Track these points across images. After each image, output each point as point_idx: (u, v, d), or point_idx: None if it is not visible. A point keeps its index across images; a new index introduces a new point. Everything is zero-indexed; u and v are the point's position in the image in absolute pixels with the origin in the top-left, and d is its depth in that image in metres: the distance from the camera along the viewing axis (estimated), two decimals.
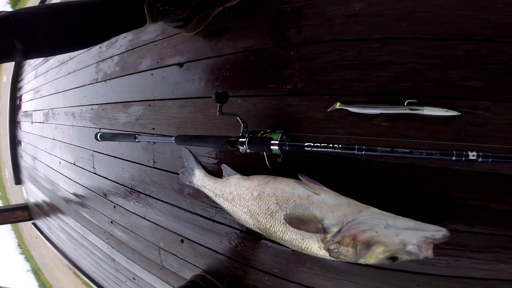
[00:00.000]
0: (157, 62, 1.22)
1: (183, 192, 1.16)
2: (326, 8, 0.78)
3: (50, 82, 2.17)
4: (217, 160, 1.02)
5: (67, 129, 1.94)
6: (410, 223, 0.60)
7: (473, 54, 0.60)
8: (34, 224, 2.80)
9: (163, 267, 1.37)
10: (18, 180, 2.90)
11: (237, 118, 0.81)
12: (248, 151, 0.76)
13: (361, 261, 0.62)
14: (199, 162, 1.06)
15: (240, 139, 0.76)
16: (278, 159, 0.84)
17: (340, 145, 0.60)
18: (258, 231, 0.82)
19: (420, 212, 0.65)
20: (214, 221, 1.07)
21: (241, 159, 0.95)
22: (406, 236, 0.59)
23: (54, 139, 2.14)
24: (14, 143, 2.76)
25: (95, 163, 1.67)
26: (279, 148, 0.69)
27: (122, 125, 1.42)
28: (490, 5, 0.58)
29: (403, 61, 0.67)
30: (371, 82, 0.70)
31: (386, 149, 0.55)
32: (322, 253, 0.67)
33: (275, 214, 0.75)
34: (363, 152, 0.57)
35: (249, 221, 0.83)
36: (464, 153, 0.48)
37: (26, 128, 2.66)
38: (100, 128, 1.57)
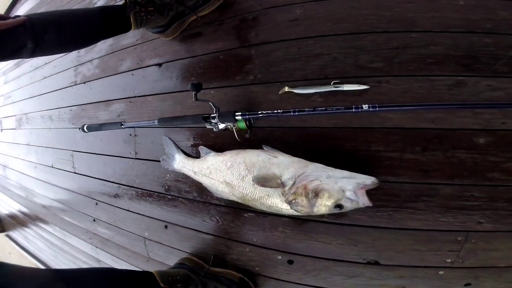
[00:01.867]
0: (137, 64, 1.40)
1: (165, 178, 1.33)
2: (276, 15, 1.03)
3: (23, 87, 2.24)
4: (195, 144, 1.21)
5: (44, 132, 2.02)
6: (345, 173, 0.83)
7: (375, 43, 0.87)
8: (7, 236, 2.76)
9: (150, 258, 1.47)
10: None
11: (210, 103, 1.01)
12: (219, 125, 0.97)
13: (315, 210, 0.84)
14: (178, 147, 1.24)
15: (212, 115, 0.96)
16: (246, 135, 1.05)
17: (281, 110, 0.85)
18: (234, 198, 1.02)
19: (354, 165, 0.88)
20: (195, 200, 1.24)
21: (216, 140, 1.15)
22: (343, 183, 0.81)
23: (28, 144, 2.20)
24: None
25: (75, 163, 1.78)
26: (242, 117, 0.91)
27: (103, 122, 1.56)
28: (386, 4, 0.86)
29: (329, 52, 0.93)
30: (308, 70, 0.96)
31: (310, 109, 0.80)
32: (285, 206, 0.88)
33: (245, 178, 0.95)
34: (296, 113, 0.80)
35: (225, 190, 1.03)
36: (360, 106, 0.73)
37: None
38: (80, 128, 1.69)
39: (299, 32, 0.99)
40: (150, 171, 1.38)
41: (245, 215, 1.11)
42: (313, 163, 0.87)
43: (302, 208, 0.85)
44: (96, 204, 1.70)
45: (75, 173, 1.80)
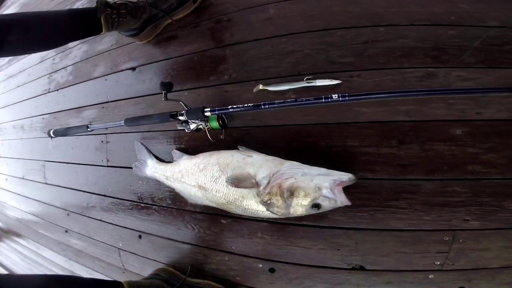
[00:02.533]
0: (111, 68, 1.31)
1: (137, 185, 1.21)
2: (250, 15, 0.98)
3: None
4: (169, 148, 1.11)
5: (15, 143, 1.87)
6: (322, 170, 0.75)
7: (345, 38, 0.83)
8: None
9: (126, 269, 1.35)
10: None
11: (181, 103, 0.92)
12: (190, 124, 0.88)
13: (292, 211, 0.75)
14: (151, 153, 1.13)
15: (180, 112, 0.87)
16: (221, 136, 0.97)
17: (251, 104, 0.77)
18: (207, 202, 0.92)
19: (330, 162, 0.80)
20: (168, 208, 1.14)
21: (190, 143, 1.05)
22: (319, 181, 0.73)
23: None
24: None
25: (46, 173, 1.64)
26: (211, 113, 0.83)
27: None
28: (355, 0, 0.81)
29: (301, 49, 0.88)
30: (281, 67, 0.90)
31: (280, 101, 0.74)
32: (261, 208, 0.79)
33: (218, 179, 0.86)
34: (267, 106, 0.73)
35: (198, 194, 0.93)
36: (329, 96, 0.67)
37: None
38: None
39: (272, 30, 0.94)
40: (122, 179, 1.26)
41: (222, 221, 1.01)
42: (289, 161, 0.79)
43: (278, 209, 0.76)
44: (68, 214, 1.56)
45: (46, 183, 1.65)
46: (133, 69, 1.23)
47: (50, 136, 1.14)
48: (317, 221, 0.83)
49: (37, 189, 1.73)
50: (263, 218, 0.89)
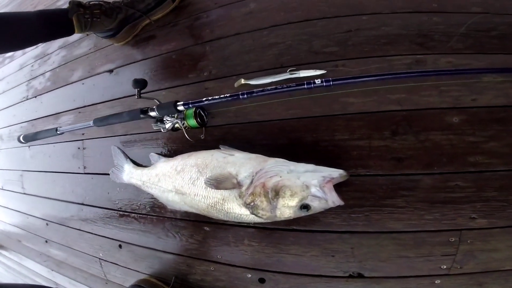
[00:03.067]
0: (88, 72, 1.16)
1: (115, 192, 1.05)
2: (231, 11, 0.87)
3: None
4: (147, 152, 0.96)
5: None
6: (310, 166, 0.62)
7: (327, 28, 0.72)
8: None
9: (108, 280, 1.17)
10: None
11: (155, 100, 0.78)
12: (166, 123, 0.73)
13: (279, 213, 0.61)
14: (127, 157, 0.98)
15: (151, 107, 0.73)
16: (201, 136, 0.83)
17: (228, 94, 0.64)
18: (187, 207, 0.77)
19: (319, 158, 0.67)
20: (148, 215, 0.98)
21: (169, 144, 0.91)
22: (307, 178, 0.60)
23: None
24: None
25: (24, 183, 1.44)
26: (185, 107, 0.69)
27: (52, 137, 1.26)
28: None
29: (283, 41, 0.76)
30: (263, 60, 0.78)
31: (260, 89, 0.63)
32: (244, 211, 0.65)
33: (197, 181, 0.72)
34: (245, 96, 0.60)
35: (175, 199, 0.78)
36: (311, 81, 0.54)
37: None
38: (29, 146, 1.38)
39: (253, 24, 0.82)
40: (99, 186, 1.09)
41: (205, 228, 0.86)
42: (273, 158, 0.66)
43: (263, 211, 0.62)
44: (47, 224, 1.36)
45: (24, 193, 1.45)
46: (110, 71, 1.08)
47: (20, 141, 0.97)
48: (307, 225, 0.69)
49: (16, 199, 1.52)
50: (248, 223, 0.74)
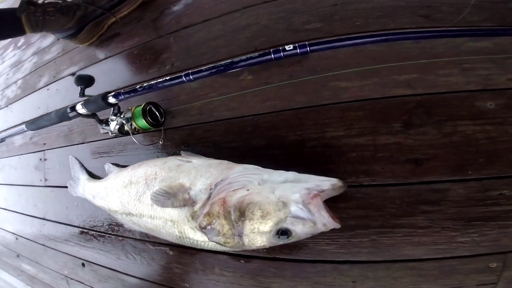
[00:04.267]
0: (54, 77, 0.88)
1: (73, 207, 0.75)
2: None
3: None
4: (108, 161, 0.68)
5: None
6: (290, 174, 0.35)
7: (308, 3, 0.47)
8: None
9: None
10: None
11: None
12: (110, 123, 0.47)
13: (247, 241, 0.34)
14: (83, 168, 0.70)
15: (78, 104, 0.47)
16: (160, 141, 0.56)
17: (168, 77, 0.38)
18: (137, 228, 0.49)
19: (306, 165, 0.41)
20: (106, 233, 0.68)
21: (129, 152, 0.63)
22: (285, 191, 0.33)
23: None
24: None
25: None
26: (116, 99, 0.43)
27: (18, 149, 0.97)
28: None
29: (257, 21, 0.51)
30: (234, 45, 0.53)
31: (210, 65, 0.37)
32: (199, 237, 0.37)
33: (143, 196, 0.44)
34: (190, 77, 0.34)
35: (124, 218, 0.50)
36: (280, 48, 0.30)
37: None
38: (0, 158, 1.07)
39: (224, 8, 0.57)
40: (59, 200, 0.80)
41: (167, 251, 0.57)
42: (241, 164, 0.39)
43: (225, 238, 0.35)
44: (16, 239, 1.03)
45: None
46: (73, 74, 0.81)
47: None
48: (293, 252, 0.42)
49: None
50: (211, 250, 0.46)
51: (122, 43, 0.72)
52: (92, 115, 0.51)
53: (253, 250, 0.46)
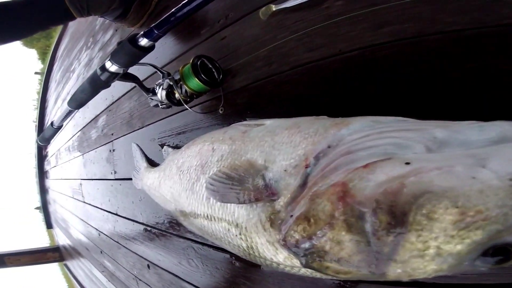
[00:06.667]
0: None
1: (137, 201, 0.74)
2: None
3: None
4: (162, 144, 0.62)
5: (66, 165, 1.59)
6: (496, 128, 0.15)
7: None
8: (65, 265, 2.33)
9: None
10: (49, 225, 2.51)
11: (152, 67, 0.42)
12: (157, 89, 0.37)
13: (397, 270, 0.16)
14: (144, 156, 0.66)
15: (107, 60, 0.38)
16: (220, 109, 0.43)
17: None
18: (196, 230, 0.38)
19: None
20: (167, 233, 0.63)
21: (189, 130, 0.54)
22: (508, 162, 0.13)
23: (61, 179, 1.79)
24: (43, 191, 2.44)
25: (84, 192, 1.28)
26: (148, 39, 0.33)
27: (94, 142, 1.06)
28: None
29: None
30: None
31: None
32: (283, 259, 0.21)
33: (196, 185, 0.32)
34: None
35: (178, 216, 0.40)
36: None
37: (49, 175, 2.34)
38: (83, 154, 1.22)
39: None
40: (125, 194, 0.81)
41: (234, 262, 0.46)
42: (362, 117, 0.21)
43: (343, 266, 0.17)
44: (99, 235, 1.15)
45: (84, 202, 1.29)
46: None
47: (39, 144, 0.76)
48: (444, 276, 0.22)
49: (79, 208, 1.39)
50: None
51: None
52: (132, 77, 0.44)
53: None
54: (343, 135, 0.19)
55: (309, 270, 0.20)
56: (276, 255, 0.21)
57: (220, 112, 0.44)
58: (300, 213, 0.17)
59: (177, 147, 0.55)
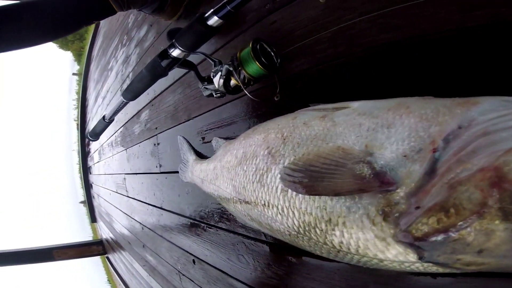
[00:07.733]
0: None
1: (184, 194, 0.76)
2: None
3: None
4: (211, 135, 0.62)
5: (109, 160, 1.72)
6: None
7: None
8: (107, 258, 2.53)
9: None
10: (93, 219, 2.74)
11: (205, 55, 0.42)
12: (212, 75, 0.37)
13: None
14: (191, 148, 0.67)
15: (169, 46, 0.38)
16: (275, 97, 0.42)
17: None
18: (255, 225, 0.38)
19: None
20: (217, 228, 0.64)
21: (231, 119, 0.54)
22: None
23: (105, 174, 1.94)
24: (88, 186, 2.67)
25: (127, 186, 1.37)
26: (217, 16, 0.32)
27: (137, 137, 1.12)
28: None
29: None
30: None
31: None
32: (394, 255, 0.19)
33: (265, 176, 0.31)
34: None
35: (239, 209, 0.39)
36: None
37: (93, 171, 2.54)
38: (126, 149, 1.29)
39: None
40: (171, 187, 0.84)
41: (291, 259, 0.44)
42: (483, 97, 0.18)
43: (490, 258, 0.14)
44: (142, 228, 1.22)
45: (128, 197, 1.38)
46: None
47: (89, 139, 0.81)
48: None
49: (122, 202, 1.49)
50: (404, 269, 0.27)
51: (210, 4, 0.64)
52: (189, 65, 0.44)
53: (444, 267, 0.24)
54: (473, 115, 0.16)
55: (424, 264, 0.18)
56: (385, 251, 0.19)
57: (276, 99, 0.42)
58: (435, 203, 0.15)
59: (228, 138, 0.55)
